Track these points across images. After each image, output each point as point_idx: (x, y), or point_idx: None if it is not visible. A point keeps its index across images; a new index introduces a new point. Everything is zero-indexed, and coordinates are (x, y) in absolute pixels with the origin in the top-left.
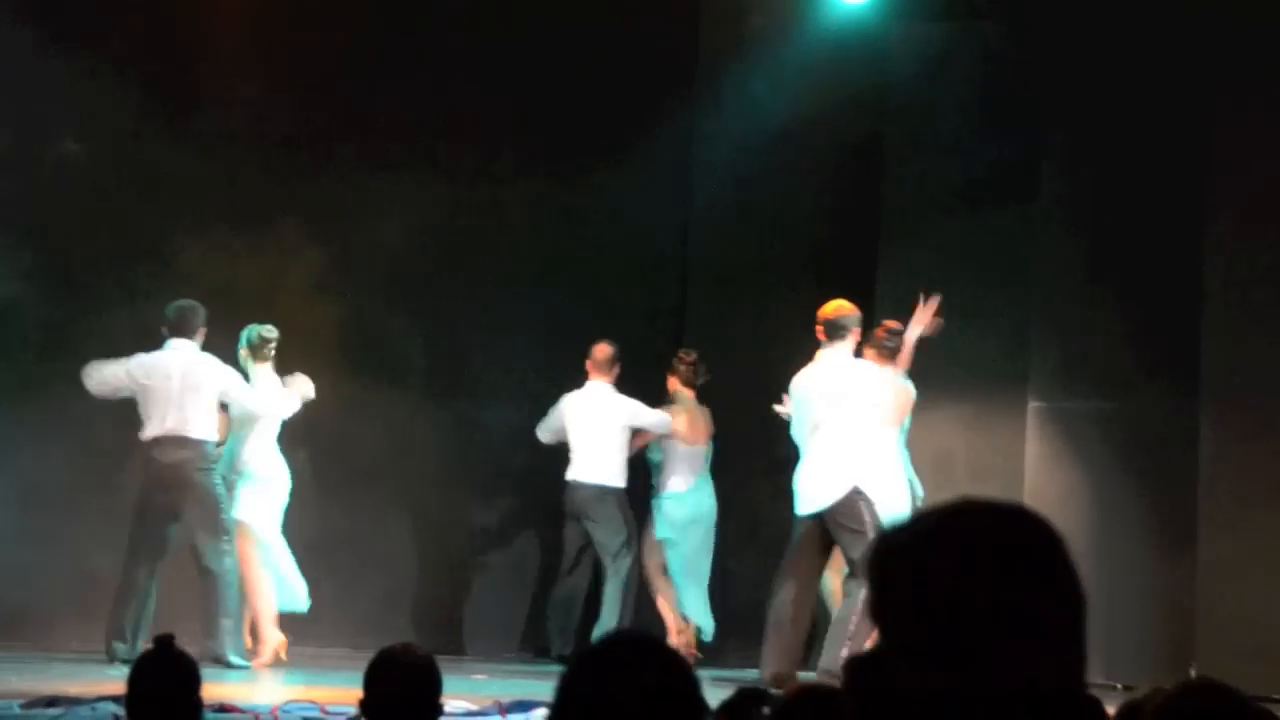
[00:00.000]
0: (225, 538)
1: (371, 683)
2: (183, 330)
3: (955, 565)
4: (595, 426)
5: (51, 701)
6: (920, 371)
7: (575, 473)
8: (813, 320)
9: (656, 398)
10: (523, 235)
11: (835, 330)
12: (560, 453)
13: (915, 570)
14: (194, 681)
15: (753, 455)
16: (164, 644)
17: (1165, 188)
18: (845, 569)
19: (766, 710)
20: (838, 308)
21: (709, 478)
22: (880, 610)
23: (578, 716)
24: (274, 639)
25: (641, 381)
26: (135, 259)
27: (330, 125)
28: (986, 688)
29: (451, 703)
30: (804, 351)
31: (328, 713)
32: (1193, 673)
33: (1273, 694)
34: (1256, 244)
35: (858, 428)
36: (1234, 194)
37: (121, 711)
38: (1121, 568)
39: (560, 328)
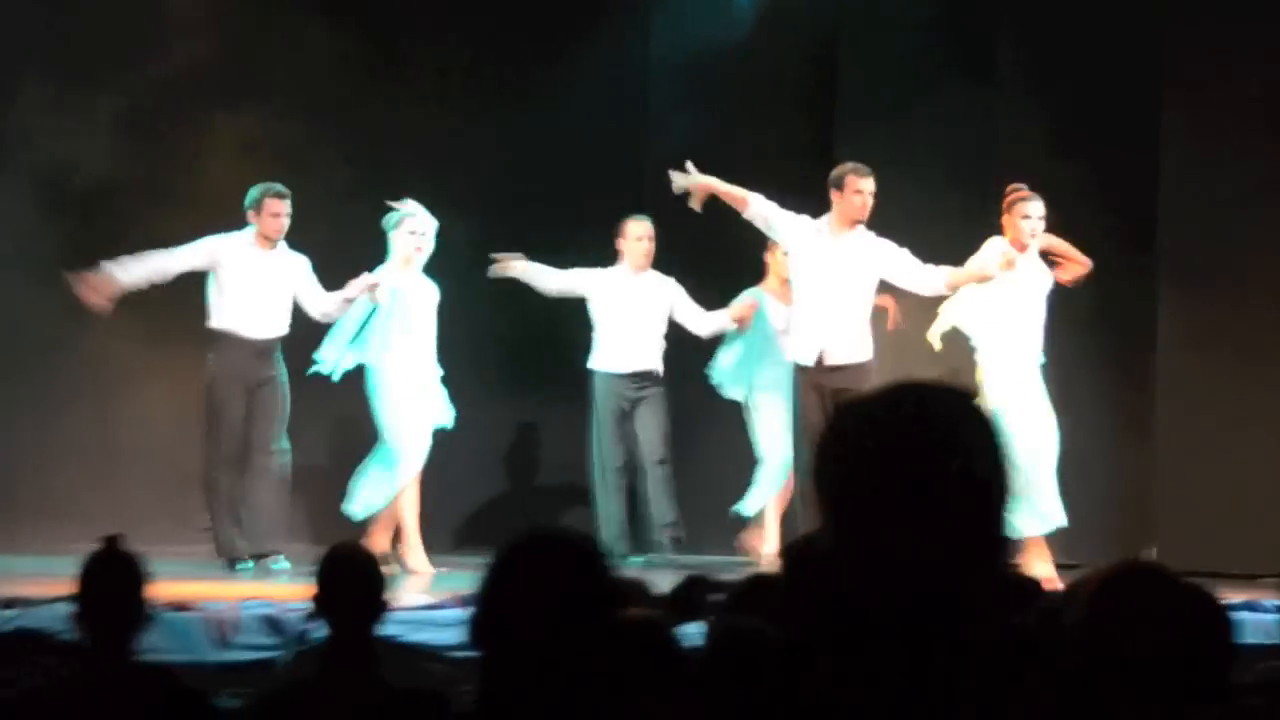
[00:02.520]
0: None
1: (323, 579)
2: None
3: (886, 444)
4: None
5: (8, 604)
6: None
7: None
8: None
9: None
10: (473, 132)
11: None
12: (514, 342)
13: (850, 449)
14: (141, 581)
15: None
16: (111, 544)
17: (1121, 58)
18: None
19: (719, 596)
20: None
21: None
22: (819, 489)
23: (494, 610)
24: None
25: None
26: None
27: (268, 27)
28: (913, 558)
29: (411, 596)
30: (761, 240)
31: (285, 609)
32: (1154, 552)
33: (1233, 568)
34: (1213, 114)
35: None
36: (1190, 66)
37: None
38: (1081, 445)
39: (515, 223)
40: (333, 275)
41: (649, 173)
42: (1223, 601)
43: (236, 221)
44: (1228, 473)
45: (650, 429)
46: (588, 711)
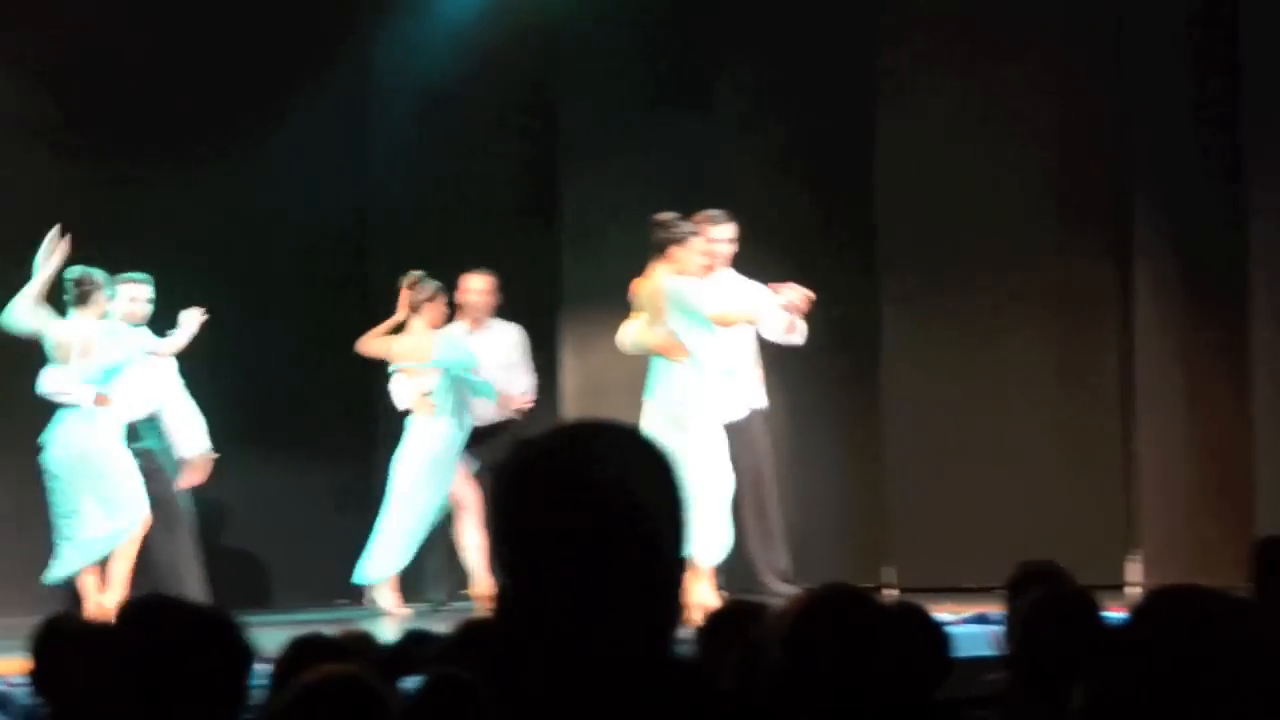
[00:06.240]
0: None
1: (40, 653)
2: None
3: (563, 494)
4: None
5: None
6: (611, 289)
7: None
8: (506, 260)
9: (343, 371)
10: (182, 218)
11: None
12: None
13: (526, 496)
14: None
15: None
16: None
17: (835, 82)
18: None
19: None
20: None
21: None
22: (497, 532)
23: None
24: None
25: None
26: None
27: None
28: (581, 615)
29: None
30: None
31: (12, 684)
32: (889, 573)
33: (966, 582)
34: (926, 133)
35: None
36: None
37: None
38: (815, 471)
39: (233, 315)
40: None
41: (370, 219)
42: (935, 617)
43: None
44: (955, 487)
45: None
46: None
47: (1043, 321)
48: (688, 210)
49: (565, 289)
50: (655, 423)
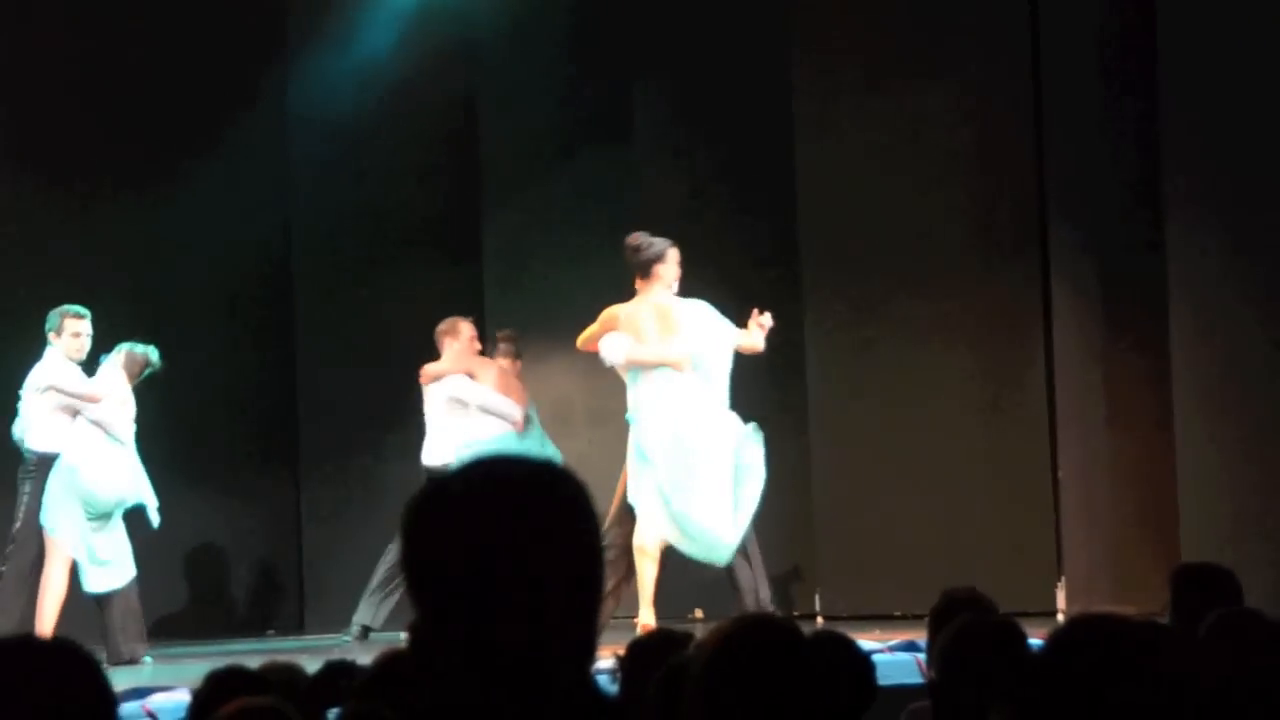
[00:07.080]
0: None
1: None
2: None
3: (474, 528)
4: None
5: None
6: (535, 319)
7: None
8: (429, 291)
9: (267, 405)
10: (102, 253)
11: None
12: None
13: (438, 531)
14: None
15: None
16: None
17: (753, 110)
18: None
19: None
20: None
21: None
22: (408, 566)
23: None
24: None
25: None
26: None
27: None
28: (495, 647)
29: None
30: (419, 328)
31: None
32: (816, 601)
33: (894, 611)
34: (844, 159)
35: None
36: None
37: None
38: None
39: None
40: None
41: (292, 256)
42: (859, 645)
43: None
44: (885, 514)
45: None
46: None
47: (968, 346)
48: (611, 241)
49: (489, 322)
50: (658, 437)
